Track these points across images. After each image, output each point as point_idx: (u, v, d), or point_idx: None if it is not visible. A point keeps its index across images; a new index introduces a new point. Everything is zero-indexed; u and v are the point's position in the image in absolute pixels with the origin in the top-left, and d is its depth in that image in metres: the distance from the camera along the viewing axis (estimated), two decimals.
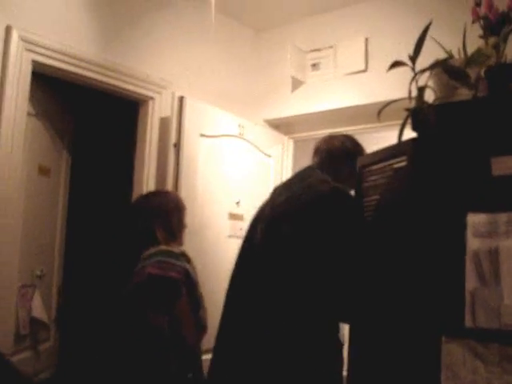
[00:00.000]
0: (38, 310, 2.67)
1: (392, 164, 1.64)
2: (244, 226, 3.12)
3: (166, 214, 2.28)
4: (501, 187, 1.48)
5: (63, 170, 3.11)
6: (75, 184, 3.27)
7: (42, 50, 2.43)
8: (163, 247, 2.19)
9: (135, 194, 2.83)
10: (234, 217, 3.04)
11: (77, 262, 3.57)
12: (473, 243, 1.48)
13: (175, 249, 2.23)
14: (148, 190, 2.71)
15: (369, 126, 3.16)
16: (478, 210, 1.48)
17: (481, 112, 1.56)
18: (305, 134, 3.63)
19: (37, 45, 2.41)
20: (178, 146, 2.81)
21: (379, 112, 1.59)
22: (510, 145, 1.49)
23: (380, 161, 1.73)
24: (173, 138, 2.82)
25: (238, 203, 3.06)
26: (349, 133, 3.37)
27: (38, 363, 2.78)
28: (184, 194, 2.77)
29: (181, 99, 2.83)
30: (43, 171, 2.80)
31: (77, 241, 3.51)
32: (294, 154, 3.78)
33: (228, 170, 3.13)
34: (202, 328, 2.25)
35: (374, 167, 1.77)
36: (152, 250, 2.17)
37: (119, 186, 3.21)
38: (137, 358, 2.12)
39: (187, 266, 2.20)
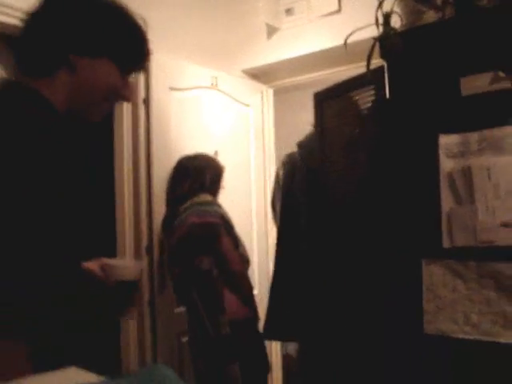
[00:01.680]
0: None
1: (360, 93, 1.64)
2: (224, 177, 3.13)
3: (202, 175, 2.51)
4: (470, 107, 1.48)
5: None
6: None
7: None
8: (196, 199, 2.42)
9: (116, 153, 2.83)
10: None
11: None
12: (446, 164, 1.49)
13: (207, 197, 2.45)
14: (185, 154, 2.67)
15: (346, 67, 3.13)
16: (449, 131, 1.49)
17: (448, 34, 1.55)
18: (284, 81, 3.60)
19: None
20: (147, 101, 2.79)
21: (345, 42, 1.57)
22: (477, 64, 1.49)
23: (346, 91, 1.72)
24: (142, 94, 2.79)
25: (216, 153, 3.05)
26: (326, 76, 3.38)
27: None
28: (157, 148, 2.78)
29: None
30: None
31: None
32: (275, 103, 3.76)
33: (204, 122, 3.10)
34: (245, 261, 2.51)
35: (338, 99, 1.76)
36: (187, 204, 2.40)
37: (99, 145, 3.19)
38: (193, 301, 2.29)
39: (221, 210, 2.44)
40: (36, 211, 0.92)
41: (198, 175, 2.50)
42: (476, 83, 1.46)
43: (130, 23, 1.21)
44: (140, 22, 1.21)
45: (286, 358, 3.79)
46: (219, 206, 2.47)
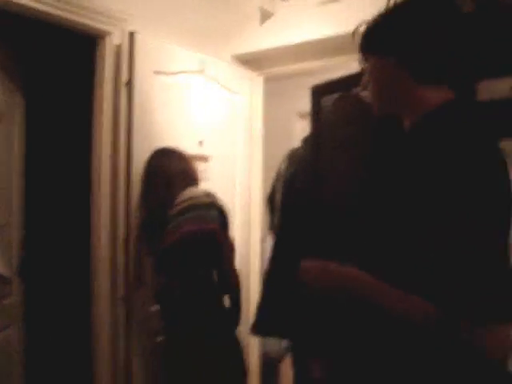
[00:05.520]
0: None
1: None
2: (209, 167, 3.00)
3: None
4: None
5: (17, 113, 2.89)
6: (32, 130, 3.06)
7: None
8: (187, 198, 2.29)
9: (94, 139, 2.66)
10: (197, 158, 2.86)
11: (40, 214, 3.40)
12: None
13: (201, 196, 2.32)
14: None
15: (342, 58, 2.96)
16: None
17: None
18: (275, 70, 3.44)
19: None
20: (129, 84, 2.61)
21: (353, 33, 1.41)
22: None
23: (347, 87, 1.58)
24: (124, 76, 2.62)
25: (200, 143, 2.89)
26: (321, 66, 3.23)
27: (1, 318, 2.65)
28: (138, 134, 2.61)
29: (131, 35, 2.61)
30: None
31: (38, 191, 3.33)
32: (264, 92, 3.60)
33: (190, 108, 2.93)
34: None
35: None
36: (181, 206, 2.26)
37: (78, 129, 3.02)
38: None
39: (219, 204, 2.35)
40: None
41: (173, 175, 2.40)
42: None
43: None
44: None
45: (263, 356, 3.67)
46: (214, 198, 2.36)
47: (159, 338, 2.55)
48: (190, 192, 2.32)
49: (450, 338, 1.06)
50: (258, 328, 2.50)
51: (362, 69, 1.35)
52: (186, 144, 2.74)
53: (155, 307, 2.55)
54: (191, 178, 2.43)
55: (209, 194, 2.34)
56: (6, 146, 2.78)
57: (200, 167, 2.81)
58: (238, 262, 3.31)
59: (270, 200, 3.11)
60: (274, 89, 3.76)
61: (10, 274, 2.73)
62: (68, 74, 3.42)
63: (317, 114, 2.14)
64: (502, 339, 1.02)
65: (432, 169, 1.08)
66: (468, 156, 1.06)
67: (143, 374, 2.66)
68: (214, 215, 2.27)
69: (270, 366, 3.82)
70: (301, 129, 4.39)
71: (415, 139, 1.22)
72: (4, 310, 2.70)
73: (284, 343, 3.58)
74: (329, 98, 2.05)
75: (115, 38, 2.66)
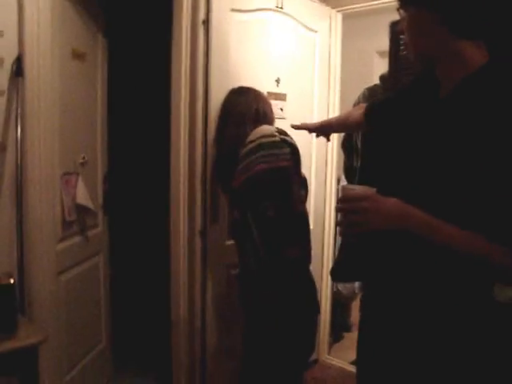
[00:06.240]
0: (82, 196, 2.67)
1: None
2: (286, 105, 3.00)
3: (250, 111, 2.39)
4: None
5: (100, 54, 2.98)
6: (113, 69, 3.15)
7: None
8: (260, 136, 2.24)
9: (173, 77, 2.71)
10: (274, 96, 2.86)
11: (123, 150, 3.55)
12: None
13: (270, 130, 2.28)
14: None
15: None
16: None
17: None
18: (355, 6, 3.33)
19: None
20: (207, 22, 2.61)
21: None
22: None
23: None
24: (201, 15, 2.61)
25: (277, 81, 2.87)
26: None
27: (87, 248, 2.84)
28: (215, 72, 2.62)
29: None
30: (78, 55, 2.68)
31: (121, 128, 3.47)
32: (343, 30, 3.51)
33: (267, 46, 2.90)
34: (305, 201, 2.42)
35: None
36: (252, 145, 2.23)
37: (157, 69, 3.08)
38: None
39: (290, 141, 2.28)
40: None
41: (245, 114, 2.38)
42: None
43: None
44: None
45: (336, 294, 3.74)
46: (286, 135, 2.31)
47: (234, 271, 2.65)
48: (261, 130, 2.29)
49: None
50: (335, 274, 2.49)
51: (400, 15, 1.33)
52: (262, 82, 2.75)
53: (231, 241, 2.63)
54: (266, 117, 2.41)
55: (281, 132, 2.29)
56: (90, 85, 2.89)
57: (276, 105, 2.81)
58: (313, 202, 3.36)
59: (344, 145, 3.08)
60: (352, 27, 3.66)
61: (95, 207, 2.89)
62: (148, 15, 3.48)
63: (396, 51, 2.07)
64: None
65: (493, 119, 1.13)
66: None
67: (217, 306, 2.79)
68: (285, 153, 2.23)
69: (341, 304, 3.89)
70: (380, 67, 4.27)
71: (467, 95, 1.21)
72: (92, 239, 2.89)
73: (357, 283, 3.61)
74: None
75: None
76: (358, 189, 1.27)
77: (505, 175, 1.11)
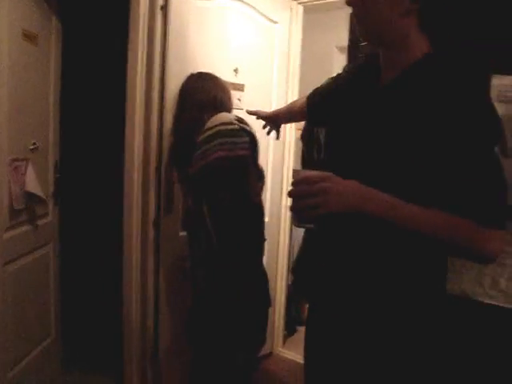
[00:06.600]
0: (32, 184, 2.57)
1: None
2: (243, 96, 2.96)
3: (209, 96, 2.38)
4: None
5: (53, 37, 2.87)
6: (68, 53, 3.05)
7: None
8: (218, 123, 2.20)
9: (129, 62, 2.64)
10: (232, 86, 2.81)
11: (75, 137, 3.45)
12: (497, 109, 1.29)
13: (231, 121, 2.22)
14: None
15: None
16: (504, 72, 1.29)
17: None
18: None
19: None
20: (165, 8, 2.55)
21: None
22: None
23: None
24: (160, 0, 2.56)
25: (235, 71, 2.83)
26: None
27: (36, 238, 2.74)
28: (173, 59, 2.58)
29: None
30: (29, 37, 2.58)
31: (75, 115, 3.37)
32: (304, 24, 3.49)
33: (226, 35, 2.87)
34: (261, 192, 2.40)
35: None
36: (210, 131, 2.18)
37: (114, 55, 3.00)
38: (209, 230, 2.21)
39: (249, 130, 2.25)
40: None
41: (203, 99, 2.36)
42: None
43: None
44: None
45: (290, 288, 3.74)
46: (245, 124, 2.27)
47: (186, 263, 2.60)
48: (220, 117, 2.25)
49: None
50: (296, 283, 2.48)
51: None
52: (220, 71, 2.69)
53: (183, 233, 2.59)
54: (224, 105, 2.38)
55: (240, 120, 2.26)
56: (42, 70, 2.78)
57: (234, 96, 2.77)
58: (269, 195, 3.34)
59: (306, 133, 3.06)
60: (313, 22, 3.65)
61: (46, 196, 2.80)
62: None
63: (356, 42, 2.05)
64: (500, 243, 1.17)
65: (439, 100, 1.14)
66: (470, 89, 1.16)
67: (169, 297, 2.74)
68: (244, 142, 2.19)
69: (296, 297, 3.89)
70: (339, 62, 4.29)
71: (409, 83, 1.22)
72: (42, 229, 2.79)
73: None
74: None
75: None
76: (313, 172, 1.20)
77: (454, 148, 1.13)
